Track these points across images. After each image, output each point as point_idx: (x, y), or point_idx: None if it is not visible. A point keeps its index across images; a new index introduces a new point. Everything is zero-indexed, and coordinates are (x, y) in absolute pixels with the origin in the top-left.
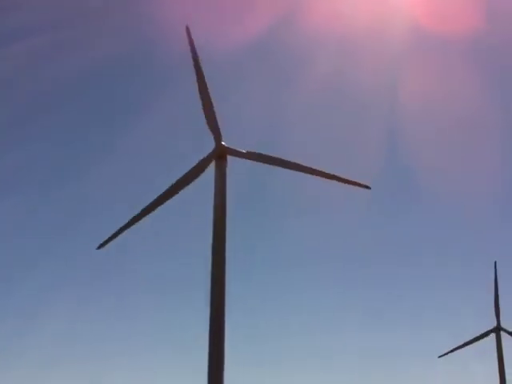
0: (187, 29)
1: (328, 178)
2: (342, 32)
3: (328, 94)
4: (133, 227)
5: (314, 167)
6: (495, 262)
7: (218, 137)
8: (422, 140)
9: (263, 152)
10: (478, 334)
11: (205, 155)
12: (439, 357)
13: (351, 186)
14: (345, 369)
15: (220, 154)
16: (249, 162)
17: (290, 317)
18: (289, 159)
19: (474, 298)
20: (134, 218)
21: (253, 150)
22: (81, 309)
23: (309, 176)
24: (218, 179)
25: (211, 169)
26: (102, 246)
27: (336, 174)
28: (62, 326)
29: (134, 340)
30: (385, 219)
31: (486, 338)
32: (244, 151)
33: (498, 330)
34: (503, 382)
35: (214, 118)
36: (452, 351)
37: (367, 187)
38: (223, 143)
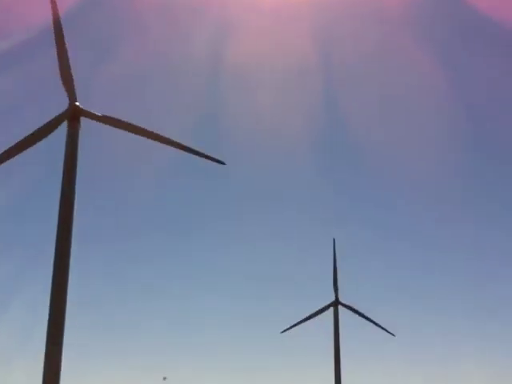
0: None
1: (184, 149)
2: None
3: (155, 64)
4: None
5: (171, 138)
6: (334, 240)
7: (72, 97)
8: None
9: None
10: (317, 309)
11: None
12: (281, 332)
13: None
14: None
15: (73, 115)
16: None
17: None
18: (144, 127)
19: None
20: None
21: (109, 114)
22: None
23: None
24: (69, 140)
25: (64, 129)
26: None
27: (193, 148)
28: None
29: None
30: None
31: (325, 312)
32: (99, 114)
33: (336, 304)
34: (337, 353)
35: (70, 77)
36: (294, 326)
37: (222, 162)
38: (77, 103)
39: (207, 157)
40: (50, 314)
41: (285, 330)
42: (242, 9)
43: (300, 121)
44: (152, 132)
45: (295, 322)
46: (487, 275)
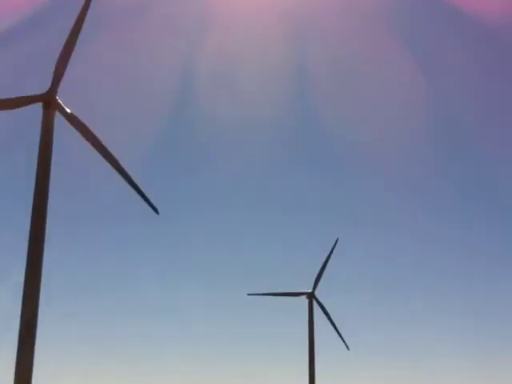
0: None
1: (129, 183)
2: None
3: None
4: None
5: (123, 167)
6: (337, 239)
7: (55, 84)
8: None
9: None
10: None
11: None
12: (248, 294)
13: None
14: None
15: (48, 101)
16: None
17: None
18: (109, 149)
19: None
20: None
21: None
22: None
23: None
24: (43, 126)
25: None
26: None
27: (139, 187)
28: None
29: None
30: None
31: (299, 298)
32: (70, 112)
33: (311, 296)
34: (312, 346)
35: (64, 67)
36: (262, 295)
37: (156, 212)
38: (57, 97)
39: (146, 200)
40: (23, 304)
41: (252, 294)
42: (225, 7)
43: (285, 119)
44: (110, 153)
45: (266, 292)
46: (479, 273)
